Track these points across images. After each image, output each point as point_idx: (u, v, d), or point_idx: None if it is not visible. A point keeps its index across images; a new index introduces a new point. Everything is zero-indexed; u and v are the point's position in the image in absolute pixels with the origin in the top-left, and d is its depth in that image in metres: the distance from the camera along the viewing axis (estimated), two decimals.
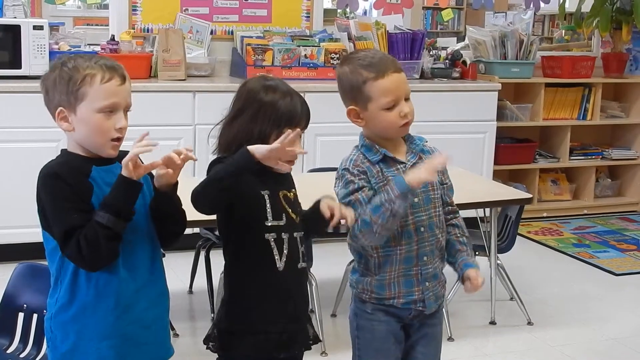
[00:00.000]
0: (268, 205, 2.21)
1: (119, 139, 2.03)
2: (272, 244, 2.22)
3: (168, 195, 2.08)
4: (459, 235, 2.45)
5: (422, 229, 2.34)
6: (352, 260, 2.47)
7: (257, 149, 2.07)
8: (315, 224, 2.28)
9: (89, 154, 2.04)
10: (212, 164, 2.24)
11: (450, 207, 2.46)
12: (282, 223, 2.23)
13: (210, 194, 2.12)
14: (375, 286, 2.35)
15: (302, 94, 2.30)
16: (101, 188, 2.00)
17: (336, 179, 2.37)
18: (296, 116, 2.21)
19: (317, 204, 2.25)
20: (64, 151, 2.08)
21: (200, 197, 2.12)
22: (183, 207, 2.16)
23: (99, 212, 1.94)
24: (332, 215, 2.19)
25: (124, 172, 1.95)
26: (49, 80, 2.02)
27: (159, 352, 2.20)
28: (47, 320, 2.10)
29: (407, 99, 2.31)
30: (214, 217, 2.29)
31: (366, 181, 2.30)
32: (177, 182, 2.10)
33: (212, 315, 3.84)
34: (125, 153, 2.01)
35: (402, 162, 2.34)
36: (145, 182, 2.06)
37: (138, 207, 2.03)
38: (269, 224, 2.22)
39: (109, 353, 2.04)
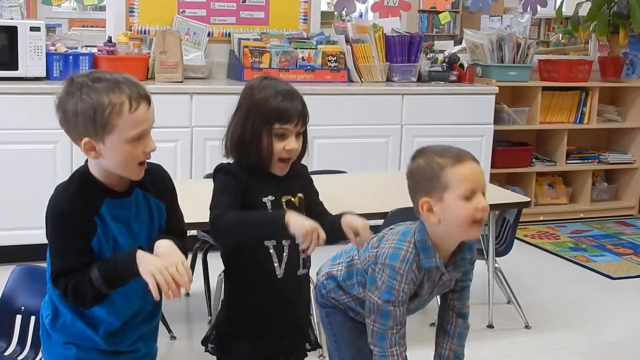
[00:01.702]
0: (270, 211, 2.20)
1: (144, 162, 1.96)
2: (272, 250, 2.21)
3: None
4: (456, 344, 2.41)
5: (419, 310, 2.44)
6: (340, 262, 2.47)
7: (293, 224, 2.03)
8: (332, 240, 2.19)
9: (110, 180, 1.97)
10: (216, 172, 2.23)
11: (457, 303, 2.41)
12: None
13: (237, 237, 2.15)
14: (349, 307, 2.43)
15: None
16: (106, 225, 1.94)
17: (379, 266, 2.24)
18: (286, 113, 2.17)
19: (337, 221, 2.21)
20: (84, 173, 1.98)
21: (225, 234, 2.15)
22: (182, 208, 2.15)
23: (95, 268, 1.90)
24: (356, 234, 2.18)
25: (141, 271, 1.86)
26: (69, 108, 1.89)
27: (146, 354, 2.17)
28: (42, 320, 2.11)
29: (483, 194, 2.17)
30: None
31: (411, 289, 2.25)
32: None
33: (210, 317, 3.83)
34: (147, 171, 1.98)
35: (443, 273, 2.28)
36: (157, 210, 2.04)
37: (140, 232, 2.00)
38: None
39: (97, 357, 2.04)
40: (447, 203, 2.14)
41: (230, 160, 2.25)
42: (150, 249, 1.94)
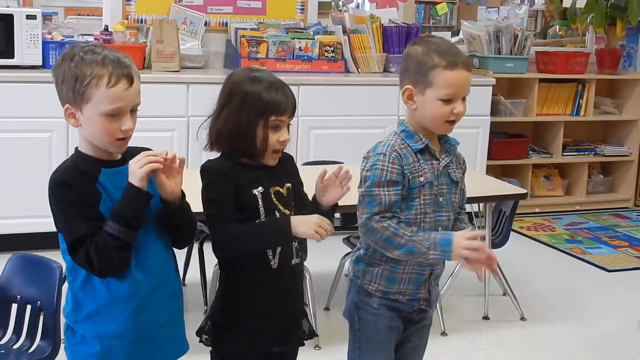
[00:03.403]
0: (260, 204, 2.20)
1: (124, 139, 2.01)
2: None
3: (174, 207, 2.05)
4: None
5: (440, 228, 2.33)
6: (348, 253, 2.46)
7: (300, 230, 2.15)
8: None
9: (99, 153, 2.02)
10: (204, 172, 2.23)
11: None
12: None
13: (239, 254, 2.21)
14: (386, 278, 2.33)
15: (295, 87, 2.29)
16: (109, 193, 1.98)
17: (364, 158, 2.33)
18: (281, 105, 2.19)
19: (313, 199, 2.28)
20: (76, 150, 2.06)
21: (230, 251, 2.20)
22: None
23: (108, 221, 1.93)
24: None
25: (134, 182, 1.93)
26: (59, 72, 1.99)
27: (174, 349, 2.17)
28: (64, 317, 2.11)
29: (463, 99, 2.28)
30: None
31: (398, 174, 2.25)
32: (183, 194, 2.08)
33: (205, 308, 3.82)
34: (136, 151, 1.98)
35: (437, 159, 2.32)
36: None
37: (149, 208, 2.00)
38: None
39: (121, 351, 2.04)
40: (426, 98, 2.25)
41: (215, 154, 2.26)
42: (156, 218, 2.05)
